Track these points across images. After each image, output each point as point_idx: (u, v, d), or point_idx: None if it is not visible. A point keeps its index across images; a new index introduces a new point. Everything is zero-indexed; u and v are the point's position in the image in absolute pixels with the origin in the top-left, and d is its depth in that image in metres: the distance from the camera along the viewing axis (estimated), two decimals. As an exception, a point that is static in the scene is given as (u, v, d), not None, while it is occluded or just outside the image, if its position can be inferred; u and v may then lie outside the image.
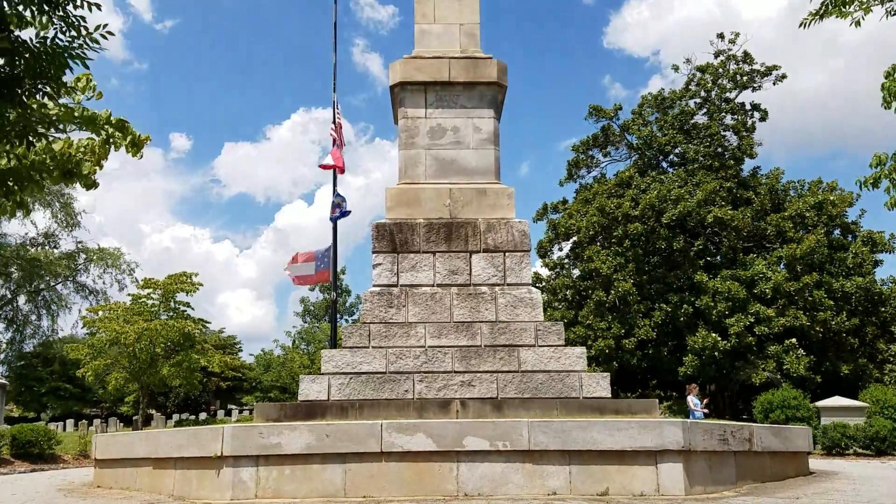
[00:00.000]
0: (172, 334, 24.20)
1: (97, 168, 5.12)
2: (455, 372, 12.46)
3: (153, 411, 55.26)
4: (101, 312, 26.39)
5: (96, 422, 37.39)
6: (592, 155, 33.27)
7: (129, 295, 29.82)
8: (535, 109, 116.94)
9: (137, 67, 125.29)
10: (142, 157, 5.43)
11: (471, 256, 13.43)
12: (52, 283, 47.68)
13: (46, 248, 46.97)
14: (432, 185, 13.94)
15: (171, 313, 25.82)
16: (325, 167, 19.01)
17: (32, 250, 45.71)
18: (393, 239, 13.56)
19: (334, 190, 19.41)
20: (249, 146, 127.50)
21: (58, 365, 47.03)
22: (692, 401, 19.11)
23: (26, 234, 52.06)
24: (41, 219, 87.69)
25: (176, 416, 44.74)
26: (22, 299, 47.21)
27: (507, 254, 13.47)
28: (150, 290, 25.81)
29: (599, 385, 12.21)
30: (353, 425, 9.64)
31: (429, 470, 9.48)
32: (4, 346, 47.35)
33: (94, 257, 48.05)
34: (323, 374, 12.54)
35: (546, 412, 11.59)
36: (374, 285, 13.34)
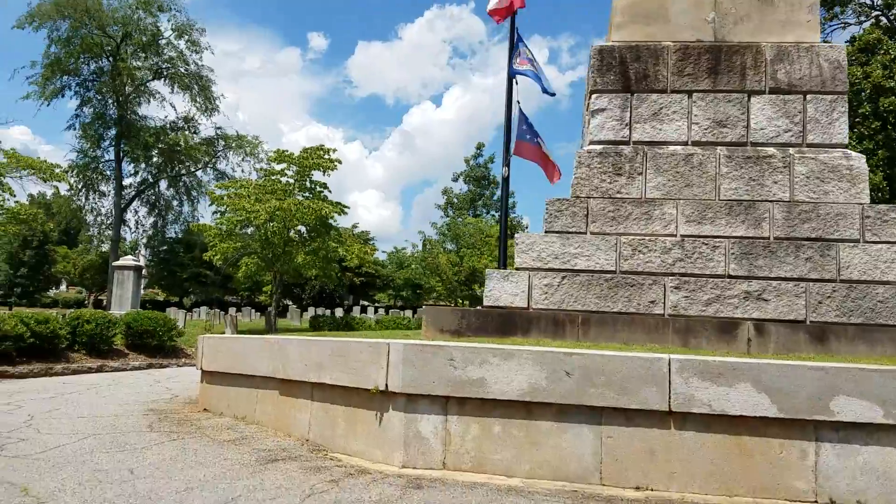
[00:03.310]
0: (308, 216, 20.81)
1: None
2: (731, 277, 7.90)
3: (289, 302, 55.01)
4: (230, 189, 23.42)
5: (232, 310, 36.16)
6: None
7: (260, 170, 26.90)
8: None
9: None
10: None
11: (749, 99, 8.54)
12: (192, 169, 46.81)
13: (186, 132, 45.78)
14: (689, -12, 8.99)
15: (307, 193, 22.46)
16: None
17: (172, 134, 44.61)
18: (625, 71, 8.86)
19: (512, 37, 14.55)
20: (381, 45, 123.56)
21: (199, 251, 46.74)
22: None
23: (166, 116, 51.41)
24: (180, 102, 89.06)
25: (311, 311, 43.43)
26: (163, 184, 46.81)
27: (808, 97, 8.47)
28: (284, 164, 22.43)
29: None
30: (617, 359, 5.36)
31: (761, 451, 5.12)
32: (149, 229, 47.48)
33: (233, 144, 46.60)
34: (518, 268, 8.38)
35: (912, 351, 6.89)
36: (593, 142, 8.82)
